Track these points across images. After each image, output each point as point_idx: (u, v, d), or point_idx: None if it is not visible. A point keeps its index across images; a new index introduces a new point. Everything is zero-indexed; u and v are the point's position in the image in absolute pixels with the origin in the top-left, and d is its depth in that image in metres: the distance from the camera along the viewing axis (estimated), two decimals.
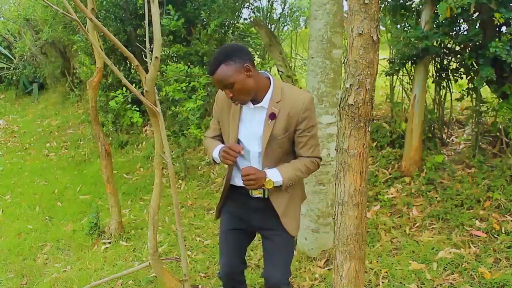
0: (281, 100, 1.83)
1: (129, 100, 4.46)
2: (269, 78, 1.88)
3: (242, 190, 1.97)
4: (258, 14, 5.80)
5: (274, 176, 1.83)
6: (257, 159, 1.92)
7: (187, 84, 4.20)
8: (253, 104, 1.87)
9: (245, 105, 1.88)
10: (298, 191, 2.04)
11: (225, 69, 1.74)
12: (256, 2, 5.89)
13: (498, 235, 2.90)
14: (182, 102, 4.24)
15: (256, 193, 1.96)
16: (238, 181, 1.98)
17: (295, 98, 1.83)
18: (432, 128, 4.10)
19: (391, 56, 4.02)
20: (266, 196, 1.95)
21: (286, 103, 1.83)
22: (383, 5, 3.86)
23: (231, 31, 5.59)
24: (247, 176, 1.79)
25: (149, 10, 2.21)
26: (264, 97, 1.85)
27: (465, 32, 3.36)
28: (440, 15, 3.03)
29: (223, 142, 2.04)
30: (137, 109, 4.55)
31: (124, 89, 4.37)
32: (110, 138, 6.26)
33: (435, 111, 4.09)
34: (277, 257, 2.01)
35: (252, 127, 1.89)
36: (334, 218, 1.60)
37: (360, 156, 1.50)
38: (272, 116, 1.83)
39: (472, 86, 3.53)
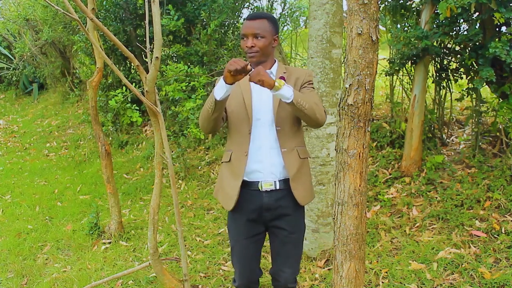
0: (286, 72, 1.98)
1: (129, 100, 4.46)
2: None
3: (252, 187, 1.92)
4: None
5: (283, 83, 1.76)
6: (268, 128, 1.90)
7: (187, 84, 4.20)
8: None
9: None
10: (307, 166, 2.01)
11: (266, 23, 1.89)
12: (256, 2, 5.90)
13: (498, 235, 2.90)
14: (182, 102, 4.24)
15: (267, 186, 1.91)
16: (247, 168, 1.91)
17: (299, 70, 2.01)
18: (432, 128, 4.10)
19: (391, 56, 4.01)
20: (277, 188, 1.91)
21: (291, 75, 1.97)
22: (383, 5, 3.86)
23: (231, 31, 5.59)
24: (257, 70, 1.71)
25: (149, 10, 2.21)
26: (271, 68, 1.98)
27: (465, 32, 3.36)
28: (441, 14, 3.03)
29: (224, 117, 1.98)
30: (137, 108, 4.55)
31: (124, 88, 4.37)
32: (110, 138, 6.27)
33: (435, 111, 4.09)
34: (287, 257, 2.01)
35: (262, 96, 1.93)
36: (334, 218, 1.60)
37: (359, 156, 1.50)
38: (282, 78, 1.92)
39: (472, 86, 3.53)
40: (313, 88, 1.98)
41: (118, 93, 4.29)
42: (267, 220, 1.97)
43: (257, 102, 1.93)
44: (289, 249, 2.00)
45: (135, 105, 4.57)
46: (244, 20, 1.97)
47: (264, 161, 1.91)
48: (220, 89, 1.78)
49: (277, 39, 1.95)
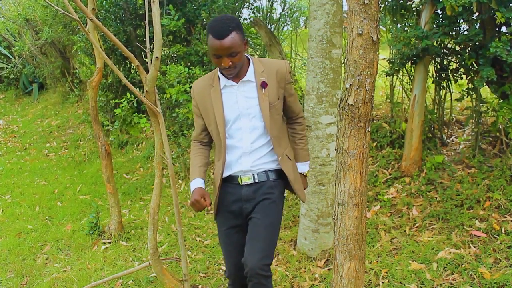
0: (264, 69, 1.92)
1: (135, 104, 4.45)
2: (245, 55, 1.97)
3: (232, 181, 2.00)
4: (258, 14, 5.80)
5: (305, 168, 2.16)
6: (249, 135, 1.94)
7: (190, 86, 4.20)
8: (236, 82, 1.91)
9: (225, 87, 1.93)
10: (295, 163, 2.14)
11: (237, 37, 1.78)
12: (256, 2, 5.90)
13: (498, 235, 2.90)
14: (186, 104, 4.23)
15: (246, 180, 1.98)
16: (226, 172, 2.01)
17: (275, 63, 1.97)
18: (432, 128, 4.10)
19: (391, 56, 4.01)
20: (256, 181, 1.98)
21: (271, 69, 1.93)
22: (383, 5, 3.86)
23: None
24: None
25: (149, 10, 2.21)
26: (247, 71, 1.92)
27: (465, 32, 3.36)
28: (446, 11, 3.02)
29: (210, 137, 2.07)
30: (142, 116, 4.55)
31: (129, 94, 4.37)
32: (110, 138, 6.27)
33: (435, 111, 4.09)
34: (256, 241, 1.95)
35: (240, 105, 1.92)
36: (334, 218, 1.60)
37: (360, 156, 1.50)
38: (264, 84, 1.90)
39: (472, 86, 3.53)
40: (292, 82, 2.02)
41: (123, 101, 4.28)
42: (247, 211, 2.02)
43: (233, 117, 1.96)
44: (259, 232, 1.95)
45: (141, 114, 4.58)
46: (208, 31, 1.81)
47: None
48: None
49: (247, 42, 1.88)
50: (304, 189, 2.19)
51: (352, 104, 1.45)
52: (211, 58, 1.85)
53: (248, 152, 1.96)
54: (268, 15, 5.86)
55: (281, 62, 1.98)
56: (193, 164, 2.04)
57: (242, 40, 1.81)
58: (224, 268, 3.06)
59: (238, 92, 1.92)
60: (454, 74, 3.74)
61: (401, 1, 3.73)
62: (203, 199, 1.89)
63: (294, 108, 2.07)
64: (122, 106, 4.27)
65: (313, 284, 2.76)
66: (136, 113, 4.52)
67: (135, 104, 4.58)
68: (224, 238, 2.09)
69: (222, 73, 1.93)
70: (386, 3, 3.84)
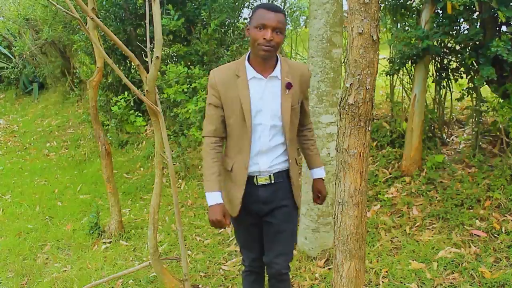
0: (289, 70, 1.92)
1: (132, 104, 4.45)
2: None
3: (250, 181, 1.96)
4: None
5: (323, 172, 2.19)
6: (268, 132, 1.91)
7: (188, 86, 4.20)
8: (265, 76, 1.87)
9: (253, 79, 1.88)
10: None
11: (284, 19, 1.82)
12: (256, 1, 5.88)
13: (498, 235, 2.90)
14: (184, 104, 4.23)
15: (262, 180, 1.96)
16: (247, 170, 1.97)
17: (299, 66, 1.98)
18: (432, 127, 4.10)
19: (391, 56, 4.01)
20: (273, 181, 1.97)
21: (296, 72, 1.93)
22: (383, 4, 3.86)
23: (231, 30, 5.58)
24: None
25: (150, 10, 2.21)
26: (275, 67, 1.90)
27: (466, 32, 3.36)
28: (446, 11, 3.02)
29: (224, 134, 1.97)
30: (140, 115, 4.54)
31: (126, 93, 4.36)
32: (110, 138, 6.27)
33: (435, 110, 4.09)
34: (282, 246, 2.04)
35: (265, 100, 1.89)
36: (334, 218, 1.60)
37: (360, 155, 1.50)
38: (289, 85, 1.88)
39: (472, 85, 3.53)
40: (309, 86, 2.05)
41: (120, 99, 4.28)
42: (264, 212, 2.02)
43: (257, 111, 1.91)
44: (284, 238, 2.03)
45: (138, 112, 4.57)
46: (257, 8, 1.82)
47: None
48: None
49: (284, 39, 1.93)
50: (325, 196, 2.20)
51: (352, 104, 1.45)
52: (252, 32, 1.80)
53: (265, 150, 1.92)
54: None
55: (304, 67, 1.99)
56: (210, 170, 1.90)
57: (285, 29, 1.84)
58: (224, 268, 3.06)
59: (265, 88, 1.89)
60: (454, 74, 3.74)
61: (401, 1, 3.73)
62: (224, 218, 1.86)
63: (307, 111, 2.09)
64: (119, 104, 4.26)
65: (313, 284, 2.76)
66: (132, 111, 4.52)
67: (132, 104, 4.57)
68: (245, 234, 2.12)
69: (250, 65, 1.88)
70: (386, 3, 3.83)
